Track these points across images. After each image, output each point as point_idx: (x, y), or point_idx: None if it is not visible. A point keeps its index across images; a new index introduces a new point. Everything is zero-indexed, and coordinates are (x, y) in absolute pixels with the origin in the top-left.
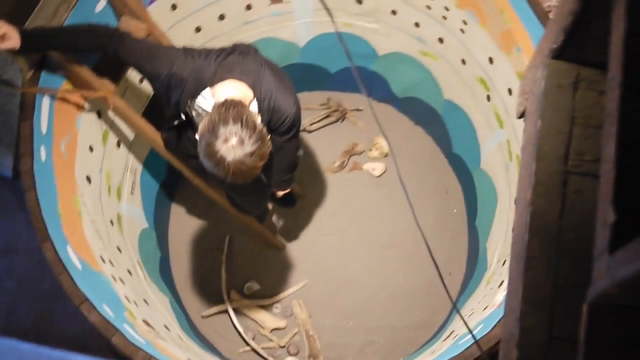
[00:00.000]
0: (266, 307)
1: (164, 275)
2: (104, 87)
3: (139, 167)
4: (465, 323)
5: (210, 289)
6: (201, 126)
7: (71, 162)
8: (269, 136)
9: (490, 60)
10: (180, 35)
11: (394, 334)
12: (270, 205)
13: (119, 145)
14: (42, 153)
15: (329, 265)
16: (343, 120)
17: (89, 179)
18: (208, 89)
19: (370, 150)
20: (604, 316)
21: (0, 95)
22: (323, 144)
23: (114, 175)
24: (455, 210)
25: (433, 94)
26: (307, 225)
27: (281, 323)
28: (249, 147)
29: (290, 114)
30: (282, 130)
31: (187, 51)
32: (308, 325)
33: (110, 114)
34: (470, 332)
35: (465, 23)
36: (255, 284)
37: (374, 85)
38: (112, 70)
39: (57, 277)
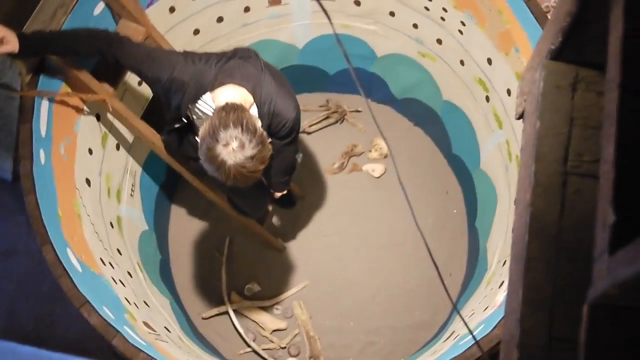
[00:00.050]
0: (267, 309)
1: (164, 277)
2: (103, 90)
3: (139, 170)
4: (466, 324)
5: (210, 291)
6: (202, 130)
7: (70, 164)
8: (270, 140)
9: (489, 61)
10: (178, 38)
11: (394, 335)
12: (270, 207)
13: (118, 147)
14: (41, 156)
15: (329, 266)
16: (342, 121)
17: (88, 182)
18: (209, 93)
19: (370, 151)
20: (605, 317)
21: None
22: (322, 145)
23: (113, 178)
24: (455, 211)
25: (432, 95)
26: (307, 227)
27: (282, 324)
28: (250, 150)
29: (290, 118)
30: (282, 135)
31: (188, 55)
32: (309, 326)
33: (110, 116)
34: (471, 332)
35: (463, 24)
36: (255, 285)
37: (373, 86)
38: (111, 73)
39: (57, 280)
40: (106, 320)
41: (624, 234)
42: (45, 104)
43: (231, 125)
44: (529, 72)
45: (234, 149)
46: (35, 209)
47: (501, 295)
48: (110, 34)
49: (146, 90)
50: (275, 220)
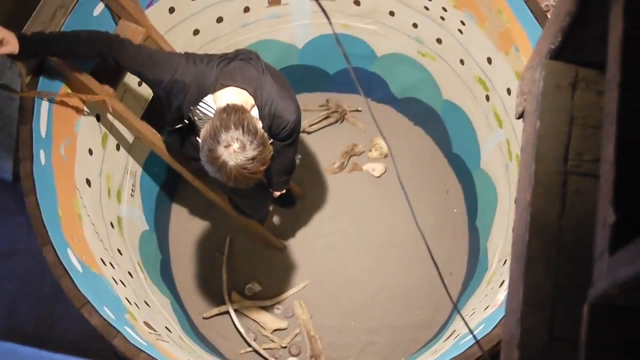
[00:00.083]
0: (267, 308)
1: (165, 277)
2: (103, 90)
3: (139, 170)
4: (466, 323)
5: (211, 291)
6: (203, 132)
7: (71, 165)
8: (270, 141)
9: (489, 60)
10: (178, 38)
11: (395, 334)
12: (270, 207)
13: (118, 148)
14: (41, 156)
15: (330, 266)
16: (342, 121)
17: (88, 182)
18: (210, 95)
19: (370, 150)
20: (605, 317)
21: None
22: (322, 145)
23: (113, 178)
24: (455, 210)
25: (432, 95)
26: (308, 226)
27: (282, 324)
28: (251, 152)
29: (291, 120)
30: (283, 136)
31: (189, 57)
32: (309, 326)
33: (109, 117)
34: (471, 332)
35: (463, 23)
36: (256, 285)
37: (373, 86)
38: (111, 73)
39: (57, 280)
40: (107, 321)
41: (624, 233)
42: (45, 104)
43: (232, 126)
44: (528, 72)
45: (235, 151)
46: (36, 209)
47: (502, 295)
48: (111, 36)
49: (146, 90)
50: (275, 219)
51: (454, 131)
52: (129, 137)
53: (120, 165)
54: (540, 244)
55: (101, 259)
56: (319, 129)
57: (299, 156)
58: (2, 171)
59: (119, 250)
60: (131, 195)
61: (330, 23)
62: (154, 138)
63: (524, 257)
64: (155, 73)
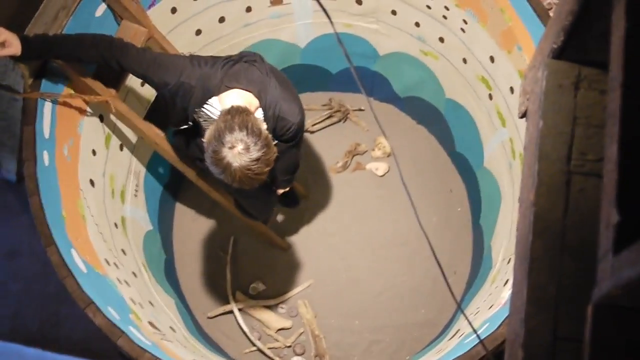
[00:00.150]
0: (271, 308)
1: (169, 276)
2: (106, 91)
3: (142, 170)
4: (470, 323)
5: (215, 290)
6: (208, 134)
7: (74, 166)
8: (275, 142)
9: (492, 59)
10: (180, 39)
11: (399, 333)
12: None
13: (121, 148)
14: (45, 157)
15: (334, 265)
16: (345, 120)
17: (92, 183)
18: (215, 97)
19: (373, 150)
20: (609, 317)
21: (3, 100)
22: (325, 144)
23: (117, 178)
24: (459, 209)
25: (435, 93)
26: (311, 226)
27: (287, 323)
28: (255, 153)
29: (295, 122)
30: (287, 138)
31: (194, 59)
32: (314, 325)
33: (113, 117)
34: (475, 331)
35: (465, 22)
36: (260, 285)
37: (375, 85)
38: (114, 74)
39: (62, 281)
40: (111, 321)
41: (628, 233)
42: (48, 105)
43: (236, 128)
44: (531, 71)
45: (240, 152)
46: (40, 210)
47: (506, 293)
48: (114, 40)
49: (149, 90)
50: (279, 219)
51: (457, 130)
52: (132, 138)
53: (123, 165)
54: (544, 243)
55: (105, 259)
56: (321, 129)
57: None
58: (6, 172)
59: (123, 250)
60: (135, 195)
61: (332, 22)
62: (157, 138)
63: (528, 257)
64: (160, 76)
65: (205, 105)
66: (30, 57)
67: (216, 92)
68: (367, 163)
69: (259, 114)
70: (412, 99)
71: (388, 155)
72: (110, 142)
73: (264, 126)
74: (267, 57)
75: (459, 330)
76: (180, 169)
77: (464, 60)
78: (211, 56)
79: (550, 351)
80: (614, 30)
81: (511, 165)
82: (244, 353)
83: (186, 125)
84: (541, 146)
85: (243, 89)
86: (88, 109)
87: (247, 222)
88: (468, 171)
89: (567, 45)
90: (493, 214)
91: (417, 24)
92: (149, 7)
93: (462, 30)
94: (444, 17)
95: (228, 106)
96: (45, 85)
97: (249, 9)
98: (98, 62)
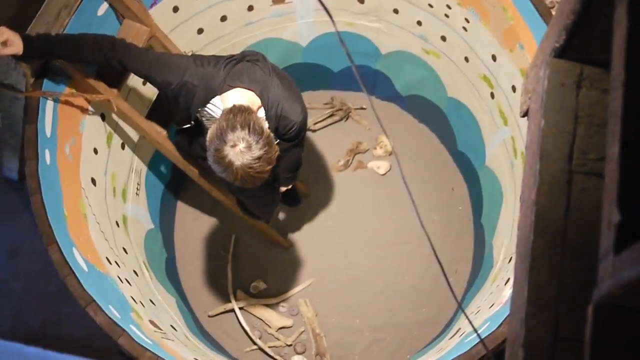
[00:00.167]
0: (272, 306)
1: (170, 275)
2: (107, 90)
3: (144, 168)
4: (471, 322)
5: (216, 289)
6: (210, 132)
7: (76, 164)
8: (277, 141)
9: (494, 57)
10: (182, 38)
11: (400, 332)
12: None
13: (123, 147)
14: (46, 156)
15: (335, 264)
16: (347, 119)
17: (94, 181)
18: (218, 96)
19: (375, 148)
20: (610, 317)
21: (5, 99)
22: (327, 143)
23: (119, 177)
24: (460, 208)
25: (437, 92)
26: (313, 224)
27: (288, 322)
28: (257, 151)
29: (297, 121)
30: (289, 137)
31: (197, 58)
32: (314, 324)
33: (114, 116)
34: (475, 331)
35: (467, 21)
36: (261, 283)
37: (377, 83)
38: (115, 73)
39: (63, 279)
40: (112, 319)
41: (629, 233)
42: (50, 104)
43: (238, 127)
44: (533, 70)
45: (241, 150)
46: (41, 209)
47: (507, 292)
48: (117, 41)
49: (150, 89)
50: (280, 217)
51: (459, 129)
52: (134, 136)
53: (125, 164)
54: (545, 243)
55: (106, 257)
56: (323, 127)
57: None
58: (8, 170)
59: (124, 249)
60: (136, 194)
61: (333, 21)
62: (159, 137)
63: (529, 257)
64: (163, 76)
65: (208, 105)
66: (32, 57)
67: (219, 91)
68: (368, 162)
69: (261, 113)
70: (414, 98)
71: (390, 154)
72: (112, 141)
73: (266, 125)
74: (268, 56)
75: (459, 329)
76: (182, 168)
77: (466, 59)
78: (214, 55)
79: (550, 351)
80: (616, 29)
81: (513, 164)
82: (244, 352)
83: (189, 124)
84: (543, 145)
85: (245, 88)
86: (90, 108)
87: (249, 221)
88: (470, 170)
89: (569, 44)
90: (494, 213)
91: (419, 23)
92: (151, 6)
93: (464, 28)
94: (446, 15)
95: (230, 105)
96: (47, 84)
97: (250, 8)
98: (100, 62)
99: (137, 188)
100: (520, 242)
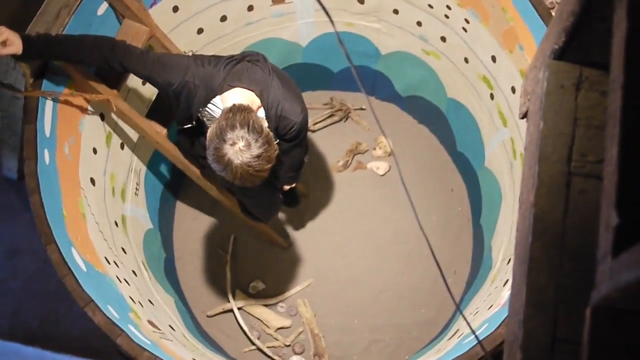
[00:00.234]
0: (271, 306)
1: (169, 275)
2: (107, 89)
3: (143, 168)
4: (469, 324)
5: (215, 289)
6: (210, 131)
7: (75, 164)
8: (277, 141)
9: (493, 58)
10: (182, 37)
11: (399, 332)
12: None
13: (122, 147)
14: (45, 156)
15: (334, 264)
16: (346, 119)
17: (93, 181)
18: (218, 96)
19: (374, 149)
20: (608, 320)
21: (4, 98)
22: (327, 143)
23: (118, 177)
24: (459, 209)
25: (437, 93)
26: (312, 225)
27: (286, 322)
28: (256, 150)
29: (297, 121)
30: (289, 137)
31: (197, 59)
32: (313, 324)
33: (114, 116)
34: (473, 332)
35: (467, 22)
36: (260, 283)
37: (377, 84)
38: (115, 73)
39: (62, 279)
40: (111, 319)
41: (627, 236)
42: (49, 104)
43: (238, 125)
44: (532, 72)
45: (241, 149)
46: (40, 208)
47: (506, 293)
48: (117, 42)
49: (150, 89)
50: (280, 218)
51: (459, 129)
52: (133, 136)
53: (124, 164)
54: (543, 245)
55: (105, 257)
56: (323, 128)
57: (306, 156)
58: (7, 170)
59: (123, 249)
60: (135, 194)
61: (332, 21)
62: (158, 137)
63: (527, 258)
64: (164, 76)
65: (208, 105)
66: (31, 57)
67: (219, 91)
68: (368, 162)
69: (261, 113)
70: (414, 98)
71: (389, 155)
72: (111, 141)
73: (266, 124)
74: (268, 56)
75: (458, 330)
76: (181, 168)
77: (466, 60)
78: (214, 55)
79: (548, 353)
80: (616, 32)
81: (512, 165)
82: (243, 352)
83: (190, 124)
84: (541, 147)
85: (245, 88)
86: (89, 108)
87: (249, 222)
88: (469, 171)
89: (569, 46)
90: (493, 214)
91: (419, 23)
92: (151, 6)
93: (464, 29)
94: (446, 16)
95: (230, 105)
96: (47, 83)
97: (250, 8)
98: (100, 64)
99: (136, 188)
100: (518, 243)
